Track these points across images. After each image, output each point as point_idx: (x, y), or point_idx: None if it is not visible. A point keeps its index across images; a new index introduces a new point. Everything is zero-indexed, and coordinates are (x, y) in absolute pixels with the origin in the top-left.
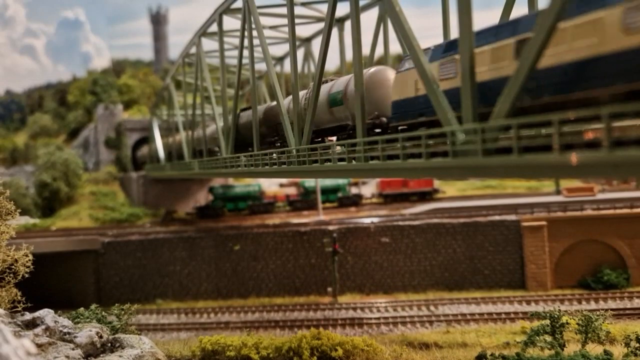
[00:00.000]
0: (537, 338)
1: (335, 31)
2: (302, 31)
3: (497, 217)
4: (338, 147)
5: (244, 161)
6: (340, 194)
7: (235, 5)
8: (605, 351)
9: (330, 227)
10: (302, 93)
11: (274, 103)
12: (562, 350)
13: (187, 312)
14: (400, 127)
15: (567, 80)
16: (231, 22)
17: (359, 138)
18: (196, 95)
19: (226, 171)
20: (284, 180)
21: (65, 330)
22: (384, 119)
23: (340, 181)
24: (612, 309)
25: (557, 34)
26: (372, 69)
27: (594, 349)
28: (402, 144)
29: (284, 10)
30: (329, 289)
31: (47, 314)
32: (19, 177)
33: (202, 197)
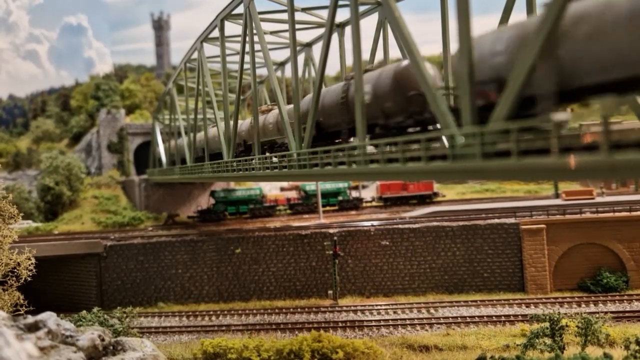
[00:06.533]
0: (537, 341)
1: (335, 36)
2: (303, 36)
3: (496, 220)
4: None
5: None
6: (340, 198)
7: (236, 11)
8: (605, 354)
9: (331, 231)
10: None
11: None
12: (562, 352)
13: (189, 315)
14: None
15: None
16: (233, 28)
17: (360, 141)
18: (198, 100)
19: (228, 175)
20: (285, 184)
21: (67, 333)
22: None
23: (341, 185)
24: (611, 312)
25: None
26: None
27: (594, 351)
28: (402, 148)
29: (284, 16)
30: (330, 292)
31: (49, 317)
32: (22, 181)
33: (204, 201)
